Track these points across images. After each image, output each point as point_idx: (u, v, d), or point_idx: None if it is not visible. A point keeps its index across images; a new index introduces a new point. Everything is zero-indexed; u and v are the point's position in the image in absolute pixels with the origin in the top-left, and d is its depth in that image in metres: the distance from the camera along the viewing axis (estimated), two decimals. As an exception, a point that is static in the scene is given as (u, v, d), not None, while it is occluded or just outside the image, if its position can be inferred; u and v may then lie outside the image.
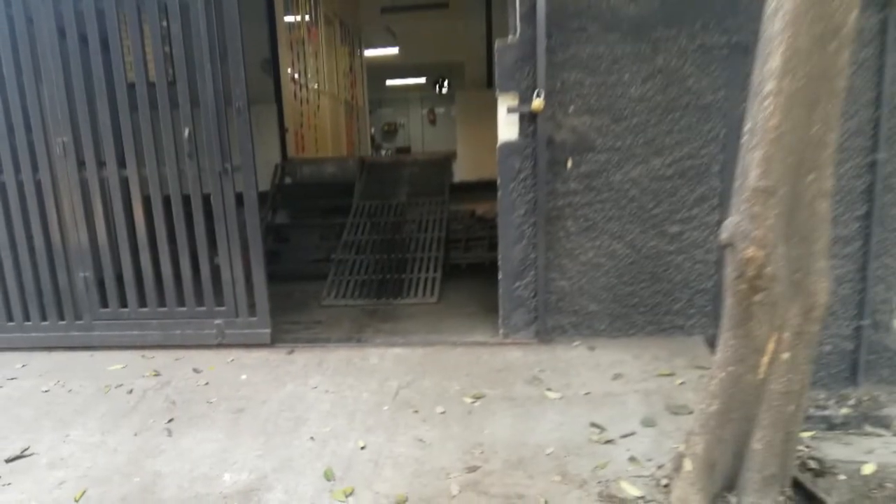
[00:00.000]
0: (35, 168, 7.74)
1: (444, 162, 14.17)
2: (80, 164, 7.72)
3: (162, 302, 7.93)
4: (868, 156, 6.77)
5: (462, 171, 15.71)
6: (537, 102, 6.91)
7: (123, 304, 7.99)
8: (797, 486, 4.85)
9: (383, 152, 32.40)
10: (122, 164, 7.68)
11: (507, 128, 7.19)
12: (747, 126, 4.20)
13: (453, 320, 8.80)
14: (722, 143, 6.97)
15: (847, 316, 7.11)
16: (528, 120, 7.11)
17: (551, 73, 7.02)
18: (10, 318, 8.15)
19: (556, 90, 7.07)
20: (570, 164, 7.15)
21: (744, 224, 4.17)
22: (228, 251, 7.64)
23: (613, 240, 7.30)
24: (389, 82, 34.18)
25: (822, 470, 5.33)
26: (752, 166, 4.12)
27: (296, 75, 16.18)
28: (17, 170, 7.75)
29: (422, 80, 34.21)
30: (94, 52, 7.38)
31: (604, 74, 7.03)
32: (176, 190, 7.63)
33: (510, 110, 7.12)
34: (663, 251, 7.26)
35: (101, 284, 7.98)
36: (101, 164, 7.71)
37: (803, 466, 5.26)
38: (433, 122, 37.43)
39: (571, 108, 7.09)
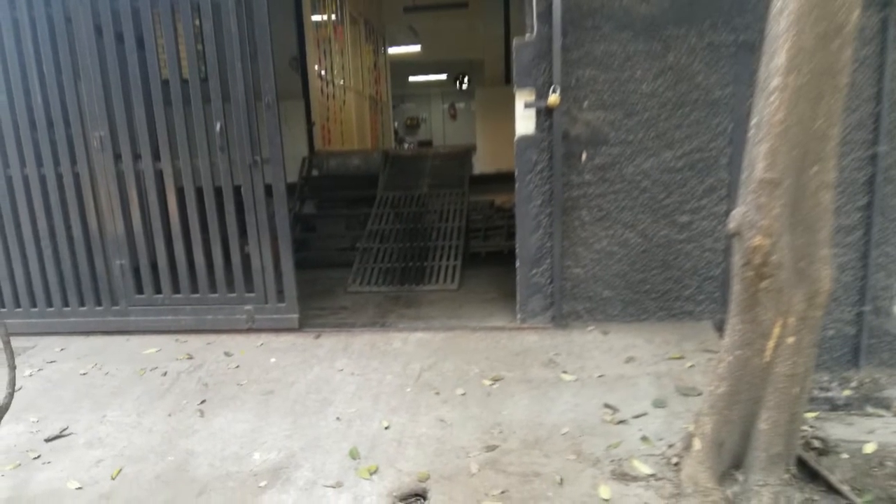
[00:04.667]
0: (73, 161, 7.79)
1: (465, 155, 14.16)
2: (117, 157, 7.76)
3: (195, 288, 7.98)
4: (869, 149, 6.77)
5: (481, 164, 15.75)
6: (553, 98, 6.92)
7: (158, 290, 8.04)
8: (801, 464, 4.86)
9: (406, 146, 32.36)
10: (156, 157, 7.73)
11: (525, 122, 7.19)
12: (754, 120, 4.21)
13: (473, 306, 8.82)
14: (729, 136, 6.97)
15: (849, 302, 7.11)
16: (545, 115, 7.12)
17: (566, 70, 7.03)
18: (50, 304, 8.21)
19: (572, 86, 7.08)
20: (584, 156, 7.16)
21: (751, 214, 4.17)
22: (258, 240, 7.67)
23: (626, 229, 7.31)
24: (412, 79, 34.20)
25: (826, 449, 5.32)
26: (758, 159, 4.13)
27: (322, 72, 16.24)
28: (57, 163, 7.81)
29: (443, 76, 34.20)
30: (129, 50, 7.43)
31: (617, 71, 7.04)
32: (208, 182, 7.67)
33: (527, 105, 7.13)
34: (674, 240, 7.27)
35: (136, 272, 8.03)
36: (136, 157, 7.75)
37: (807, 446, 5.25)
38: (454, 116, 37.45)
39: (586, 104, 7.10)
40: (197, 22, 7.42)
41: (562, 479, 4.91)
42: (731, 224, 4.32)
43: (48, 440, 5.88)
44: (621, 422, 5.64)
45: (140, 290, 8.07)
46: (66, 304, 8.18)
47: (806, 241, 4.32)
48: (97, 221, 7.94)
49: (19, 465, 5.55)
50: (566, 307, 7.56)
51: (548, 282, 7.50)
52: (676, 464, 4.98)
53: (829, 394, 6.73)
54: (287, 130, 8.02)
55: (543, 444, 5.37)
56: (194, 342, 7.76)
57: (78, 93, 7.65)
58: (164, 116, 7.59)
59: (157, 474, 5.31)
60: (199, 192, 7.75)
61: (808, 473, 4.85)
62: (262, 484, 5.11)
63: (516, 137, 7.26)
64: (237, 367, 7.07)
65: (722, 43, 6.86)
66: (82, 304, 8.17)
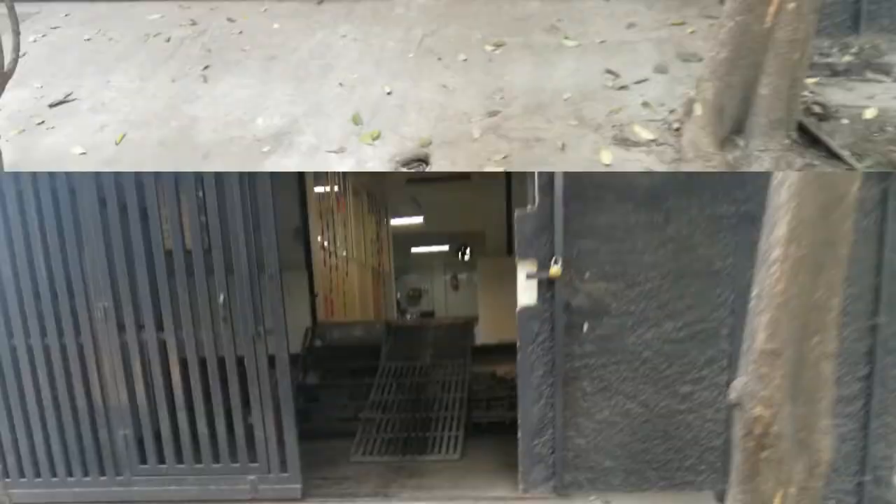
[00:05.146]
0: (77, 331, 7.79)
1: (466, 326, 14.23)
2: (120, 327, 7.77)
3: (198, 458, 7.92)
4: (869, 319, 6.78)
5: (483, 334, 15.75)
6: (555, 269, 6.98)
7: (161, 460, 7.99)
8: (802, 130, 4.85)
9: (407, 316, 32.41)
10: (160, 327, 7.73)
11: (527, 293, 7.23)
12: (755, 291, 4.26)
13: (475, 475, 8.74)
14: (730, 307, 7.01)
15: (849, 472, 7.07)
16: (547, 285, 7.15)
17: (568, 241, 7.08)
18: (55, 475, 8.13)
19: (573, 257, 7.13)
20: (586, 327, 7.19)
21: (752, 384, 4.20)
22: (261, 410, 7.65)
23: (627, 399, 7.30)
24: (414, 250, 34.38)
25: (826, 115, 5.29)
26: (759, 329, 4.16)
27: (325, 243, 16.35)
28: (61, 333, 7.80)
29: (445, 247, 34.42)
30: (133, 220, 7.47)
31: (618, 242, 7.10)
32: (211, 352, 7.70)
33: (529, 276, 7.17)
34: (675, 410, 7.25)
35: (140, 442, 7.99)
36: (140, 327, 7.76)
37: (808, 111, 5.22)
38: (455, 287, 37.53)
39: (587, 274, 7.15)
40: (200, 193, 7.45)
41: (563, 145, 4.84)
42: (732, 394, 4.35)
43: (52, 106, 5.82)
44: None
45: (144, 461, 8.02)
46: (70, 475, 8.11)
47: (807, 411, 4.32)
48: (101, 391, 7.91)
49: (23, 130, 5.48)
50: (568, 477, 7.50)
51: (549, 452, 7.44)
52: (677, 129, 4.94)
53: (830, 59, 6.66)
54: (290, 301, 8.05)
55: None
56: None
57: (82, 263, 7.69)
58: (168, 287, 7.62)
59: (160, 139, 5.24)
60: (203, 363, 7.75)
61: (809, 139, 4.87)
62: (266, 149, 5.04)
63: (518, 308, 7.29)
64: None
65: (723, 214, 6.91)
66: (86, 474, 8.09)
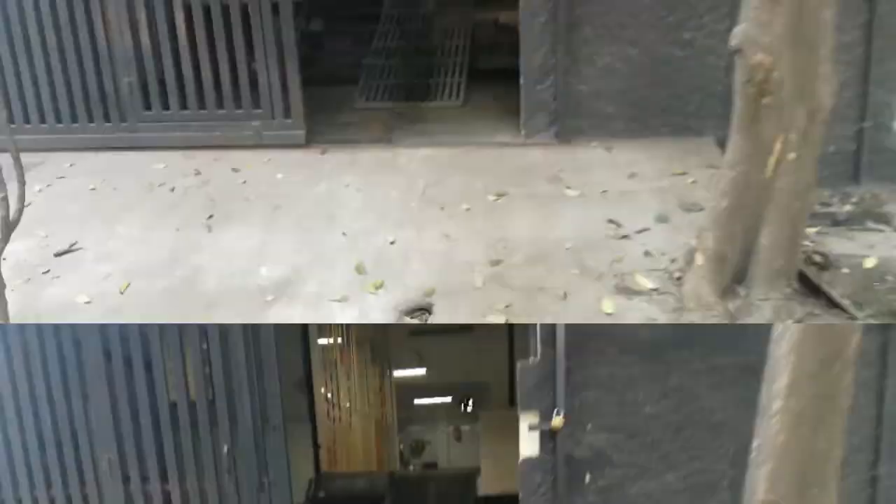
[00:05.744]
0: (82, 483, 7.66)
1: (469, 477, 14.53)
2: (125, 479, 7.63)
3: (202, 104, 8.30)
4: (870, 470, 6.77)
5: (486, 486, 15.49)
6: (557, 421, 6.99)
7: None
8: (803, 279, 5.04)
9: (411, 468, 31.89)
10: (164, 479, 7.61)
11: (529, 444, 7.19)
12: (755, 443, 4.28)
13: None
14: (731, 459, 6.99)
15: (849, 118, 7.26)
16: (548, 437, 7.14)
17: (570, 393, 7.08)
18: (59, 121, 8.48)
19: (575, 409, 7.12)
20: (588, 478, 7.20)
21: (753, 31, 4.30)
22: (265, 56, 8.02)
23: (629, 45, 7.55)
24: (417, 401, 34.19)
25: (827, 264, 5.31)
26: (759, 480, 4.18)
27: (329, 395, 16.33)
28: (66, 485, 7.66)
29: (447, 399, 34.37)
30: (137, 373, 7.47)
31: (620, 393, 7.12)
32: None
33: (531, 428, 7.15)
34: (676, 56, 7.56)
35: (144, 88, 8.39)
36: (143, 479, 7.63)
37: (808, 261, 5.31)
38: (458, 438, 36.20)
39: (589, 426, 7.16)
40: (204, 345, 7.50)
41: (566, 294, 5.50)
42: (734, 41, 4.52)
43: (57, 255, 6.18)
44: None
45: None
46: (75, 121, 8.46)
47: (807, 57, 4.55)
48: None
49: (29, 279, 5.54)
50: (569, 123, 7.90)
51: (551, 98, 7.79)
52: (679, 279, 5.11)
53: (831, 209, 6.69)
54: (293, 453, 8.08)
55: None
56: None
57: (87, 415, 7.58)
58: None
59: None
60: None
61: (810, 288, 5.09)
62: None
63: (520, 459, 7.24)
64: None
65: (724, 366, 6.94)
66: (91, 120, 8.45)
